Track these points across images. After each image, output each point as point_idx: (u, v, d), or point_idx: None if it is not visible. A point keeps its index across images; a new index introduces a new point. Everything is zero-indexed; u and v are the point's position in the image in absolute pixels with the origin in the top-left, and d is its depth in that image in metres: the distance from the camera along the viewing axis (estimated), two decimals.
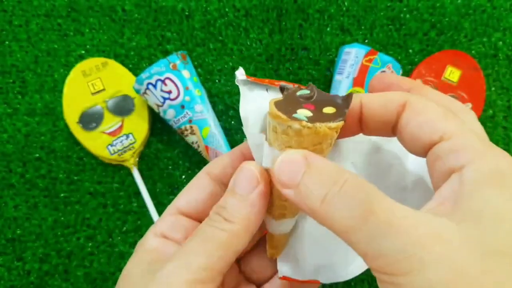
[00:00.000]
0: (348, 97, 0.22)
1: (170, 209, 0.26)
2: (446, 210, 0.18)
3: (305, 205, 0.19)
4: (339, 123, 0.21)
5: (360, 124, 0.23)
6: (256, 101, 0.26)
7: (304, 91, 0.23)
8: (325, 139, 0.21)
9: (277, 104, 0.21)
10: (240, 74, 0.26)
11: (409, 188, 0.27)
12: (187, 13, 0.50)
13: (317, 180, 0.19)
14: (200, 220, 0.26)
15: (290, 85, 0.27)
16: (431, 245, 0.16)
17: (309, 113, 0.21)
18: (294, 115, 0.21)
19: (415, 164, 0.27)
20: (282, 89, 0.27)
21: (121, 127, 0.46)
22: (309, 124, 0.20)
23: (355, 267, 0.27)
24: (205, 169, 0.27)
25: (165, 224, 0.25)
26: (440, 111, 0.20)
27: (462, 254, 0.16)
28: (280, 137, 0.21)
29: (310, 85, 0.24)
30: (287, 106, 0.22)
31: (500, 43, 0.49)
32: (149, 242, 0.25)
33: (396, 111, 0.21)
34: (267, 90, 0.27)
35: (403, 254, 0.16)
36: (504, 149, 0.47)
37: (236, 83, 0.26)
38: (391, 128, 0.22)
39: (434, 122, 0.20)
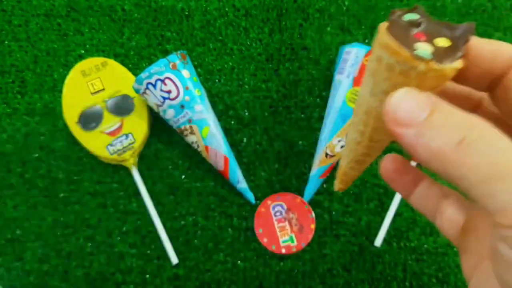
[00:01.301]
0: (469, 29, 0.18)
1: None
2: None
3: (427, 148, 0.17)
4: (461, 62, 0.17)
5: None
6: None
7: (412, 15, 0.18)
8: (445, 81, 0.17)
9: (391, 31, 0.17)
10: None
11: None
12: (187, 13, 0.50)
13: (450, 121, 0.17)
14: None
15: None
16: None
17: (430, 48, 0.17)
18: (416, 52, 0.17)
19: None
20: None
21: (120, 127, 0.46)
22: (437, 66, 0.17)
23: None
24: None
25: None
26: None
27: None
28: (396, 78, 0.18)
29: (417, 7, 0.19)
30: (400, 35, 0.17)
31: None
32: None
33: (507, 64, 0.19)
34: None
35: None
36: None
37: None
38: (489, 82, 0.20)
39: None
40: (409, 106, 0.17)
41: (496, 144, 0.16)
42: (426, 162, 0.17)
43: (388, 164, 0.24)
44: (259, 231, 0.45)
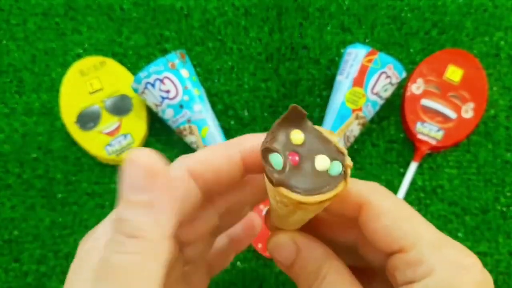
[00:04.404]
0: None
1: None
2: None
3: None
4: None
5: None
6: None
7: (276, 158, 0.18)
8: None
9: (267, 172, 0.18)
10: None
11: None
12: (186, 12, 0.49)
13: (310, 269, 0.21)
14: None
15: None
16: None
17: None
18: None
19: None
20: None
21: (119, 127, 0.46)
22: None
23: None
24: (239, 147, 0.22)
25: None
26: (400, 215, 0.20)
27: None
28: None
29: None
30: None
31: (502, 42, 0.49)
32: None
33: (356, 208, 0.21)
34: None
35: None
36: (507, 150, 0.47)
37: None
38: (352, 221, 0.22)
39: (393, 230, 0.20)
40: (282, 253, 0.22)
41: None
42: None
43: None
44: None
